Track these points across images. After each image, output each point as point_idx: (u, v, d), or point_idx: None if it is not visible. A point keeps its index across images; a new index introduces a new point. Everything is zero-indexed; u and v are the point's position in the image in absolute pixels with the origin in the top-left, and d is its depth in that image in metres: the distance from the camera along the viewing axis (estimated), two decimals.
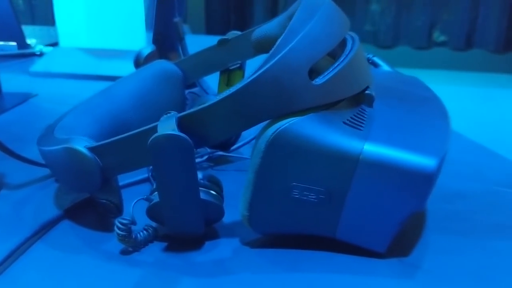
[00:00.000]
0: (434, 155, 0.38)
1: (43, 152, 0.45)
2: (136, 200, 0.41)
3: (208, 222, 0.43)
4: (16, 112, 0.78)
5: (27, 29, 1.36)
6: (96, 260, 0.41)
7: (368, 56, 0.54)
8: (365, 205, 0.39)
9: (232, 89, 0.37)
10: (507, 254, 0.42)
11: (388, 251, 0.41)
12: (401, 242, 0.43)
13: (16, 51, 1.10)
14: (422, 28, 3.57)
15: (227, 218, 0.45)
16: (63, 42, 1.00)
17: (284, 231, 0.42)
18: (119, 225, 0.40)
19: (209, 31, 3.67)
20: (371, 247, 0.41)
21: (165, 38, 0.75)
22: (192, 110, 0.38)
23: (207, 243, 0.43)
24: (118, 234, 0.41)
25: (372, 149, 0.38)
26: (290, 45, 0.37)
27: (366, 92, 0.42)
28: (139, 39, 0.97)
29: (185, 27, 1.95)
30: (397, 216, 0.39)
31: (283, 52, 0.37)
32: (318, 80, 0.38)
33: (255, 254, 0.42)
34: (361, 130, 0.39)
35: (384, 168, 0.37)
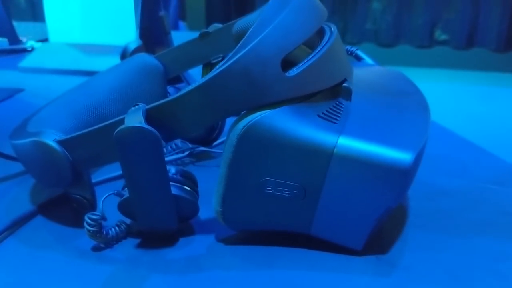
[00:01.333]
0: (411, 150, 0.36)
1: (14, 146, 0.44)
2: (106, 195, 0.40)
3: (182, 218, 0.41)
4: (1, 107, 0.77)
5: (27, 25, 1.35)
6: (67, 256, 0.40)
7: (351, 49, 0.53)
8: (340, 201, 0.38)
9: (201, 81, 0.36)
10: (487, 252, 0.41)
11: (365, 248, 0.40)
12: (380, 239, 0.42)
13: (7, 47, 1.09)
14: (423, 26, 3.55)
15: (204, 214, 0.44)
16: (52, 37, 0.99)
17: (258, 227, 0.41)
18: (89, 221, 0.39)
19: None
20: (347, 245, 0.39)
21: (151, 33, 0.74)
22: (160, 102, 0.37)
23: (181, 240, 0.42)
24: (88, 230, 0.40)
25: (346, 143, 0.36)
26: (261, 36, 0.36)
27: (344, 85, 0.41)
28: (129, 34, 0.96)
29: (182, 24, 1.94)
30: (373, 212, 0.38)
31: (253, 43, 0.36)
32: (291, 72, 0.37)
33: (229, 251, 0.41)
34: (336, 123, 0.38)
35: (359, 162, 0.36)
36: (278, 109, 0.37)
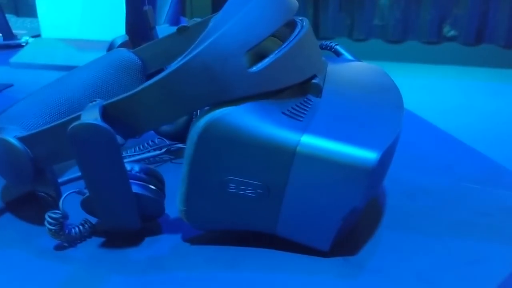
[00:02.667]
0: (376, 149, 0.35)
1: None
2: (66, 193, 0.39)
3: (146, 217, 0.40)
4: None
5: (32, 21, 1.34)
6: (29, 254, 0.40)
7: (330, 44, 0.51)
8: (305, 200, 0.36)
9: (159, 76, 0.35)
10: (461, 254, 0.39)
11: (334, 249, 0.39)
12: (351, 240, 0.41)
13: (1, 42, 1.09)
14: (432, 22, 3.51)
15: (174, 213, 0.43)
16: (44, 33, 0.99)
17: (223, 227, 0.40)
18: (49, 220, 0.39)
19: None
20: (313, 245, 0.38)
21: (137, 28, 0.73)
22: (117, 97, 0.36)
23: (147, 239, 0.41)
24: (49, 229, 0.39)
25: (309, 141, 0.35)
26: (222, 30, 0.35)
27: (313, 81, 0.39)
28: (120, 29, 0.95)
29: (184, 20, 1.93)
30: (338, 212, 0.36)
31: (213, 37, 0.35)
32: (255, 68, 0.36)
33: (193, 252, 0.40)
34: (301, 121, 0.37)
35: (322, 161, 0.35)
36: (240, 105, 0.36)
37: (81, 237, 0.41)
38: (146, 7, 0.68)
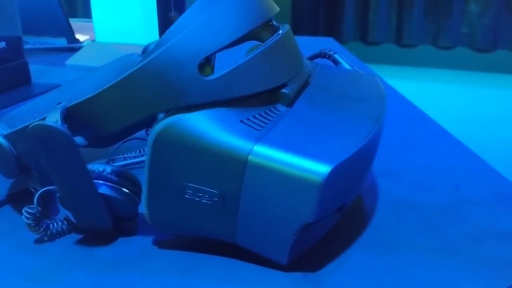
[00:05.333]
0: (329, 162, 0.34)
1: None
2: (42, 189, 0.41)
3: (119, 219, 0.41)
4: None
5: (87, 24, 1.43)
6: (8, 246, 0.42)
7: (329, 52, 0.50)
8: (259, 211, 0.36)
9: (117, 79, 0.36)
10: (432, 282, 0.37)
11: (297, 263, 0.38)
12: (317, 256, 0.39)
13: (65, 45, 1.16)
14: None
15: None
16: (99, 37, 1.04)
17: (185, 232, 0.40)
18: (26, 214, 0.41)
19: (296, 31, 3.63)
20: (271, 258, 0.37)
21: None
22: (78, 100, 0.37)
23: (120, 239, 0.42)
24: (26, 223, 0.41)
25: (261, 151, 0.34)
26: (178, 36, 0.35)
27: (282, 90, 0.38)
28: None
29: None
30: (290, 226, 0.35)
31: (169, 43, 0.35)
32: (212, 75, 0.36)
33: (158, 255, 0.40)
34: (258, 130, 0.36)
35: (272, 172, 0.34)
36: (195, 112, 0.36)
37: (61, 233, 0.42)
38: (172, 13, 0.70)
